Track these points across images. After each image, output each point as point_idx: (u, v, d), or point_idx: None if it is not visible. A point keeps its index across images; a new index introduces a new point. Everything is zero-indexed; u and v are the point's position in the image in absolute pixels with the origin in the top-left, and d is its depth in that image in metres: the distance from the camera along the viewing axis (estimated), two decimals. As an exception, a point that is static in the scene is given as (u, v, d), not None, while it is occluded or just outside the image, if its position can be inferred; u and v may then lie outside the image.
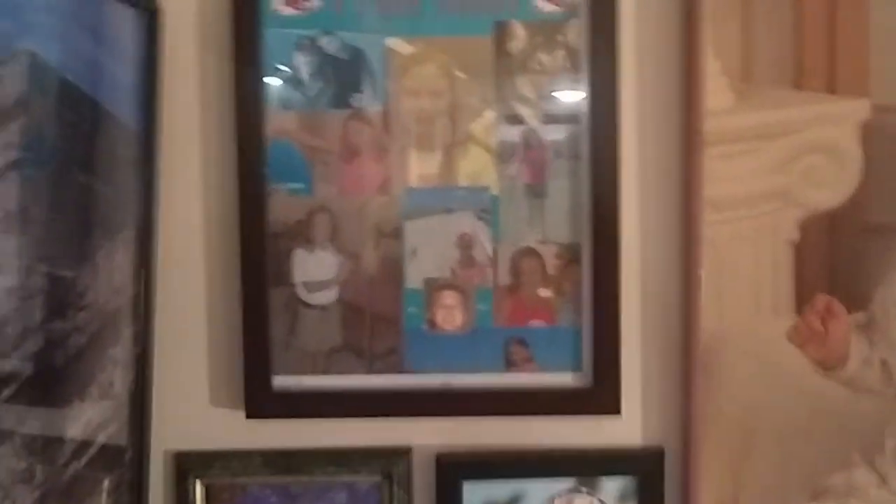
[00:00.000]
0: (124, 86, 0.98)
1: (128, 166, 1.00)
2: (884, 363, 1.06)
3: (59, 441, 0.85)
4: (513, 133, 1.08)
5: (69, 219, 0.86)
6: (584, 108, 1.08)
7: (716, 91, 1.06)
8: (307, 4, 1.08)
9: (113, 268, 0.94)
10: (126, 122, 0.99)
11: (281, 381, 1.09)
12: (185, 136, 1.10)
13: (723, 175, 1.06)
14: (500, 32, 1.08)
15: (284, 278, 1.09)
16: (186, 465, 1.10)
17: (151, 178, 1.04)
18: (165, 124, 1.07)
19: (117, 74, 0.96)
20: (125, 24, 0.99)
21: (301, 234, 1.09)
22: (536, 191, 1.09)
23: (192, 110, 1.09)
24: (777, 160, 1.06)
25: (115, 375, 0.97)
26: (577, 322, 1.09)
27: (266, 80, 1.07)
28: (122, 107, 0.98)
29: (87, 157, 0.90)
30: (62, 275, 0.84)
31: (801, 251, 1.07)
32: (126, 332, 1.00)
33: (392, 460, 1.10)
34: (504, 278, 1.09)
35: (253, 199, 1.07)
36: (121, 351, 0.98)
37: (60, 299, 0.84)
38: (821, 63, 1.05)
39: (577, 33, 1.08)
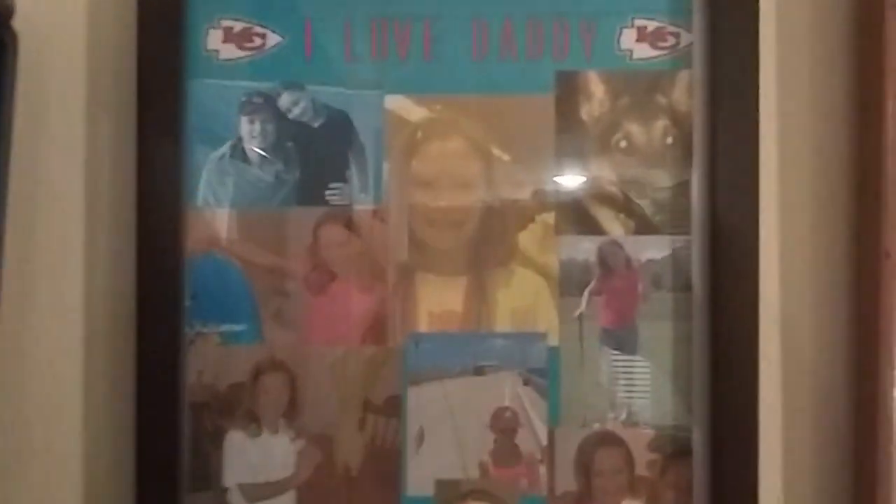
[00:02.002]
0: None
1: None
2: None
3: None
4: (584, 248, 0.71)
5: None
6: (700, 210, 0.70)
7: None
8: (260, 42, 0.69)
9: None
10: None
11: None
12: (52, 248, 0.71)
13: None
14: (567, 90, 0.71)
15: (209, 478, 0.71)
16: None
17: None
18: (16, 230, 0.69)
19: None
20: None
21: (239, 406, 0.72)
22: (621, 340, 0.71)
23: (66, 208, 0.71)
24: None
25: None
26: (685, 556, 0.70)
27: (189, 161, 0.70)
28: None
29: None
30: None
31: None
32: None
33: None
34: (566, 482, 0.71)
35: (161, 350, 0.69)
36: None
37: None
38: None
39: (688, 91, 0.71)
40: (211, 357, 0.70)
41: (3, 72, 0.65)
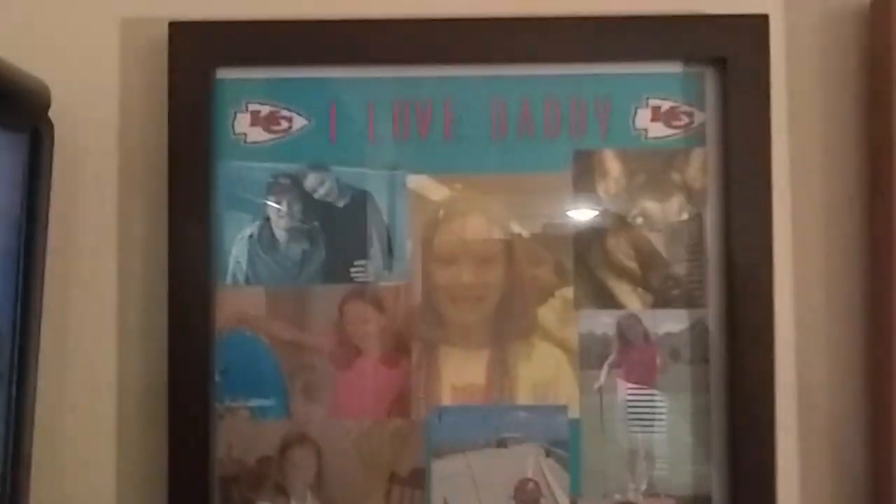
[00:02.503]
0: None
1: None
2: None
3: None
4: (603, 322, 0.72)
5: None
6: (716, 284, 0.70)
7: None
8: (287, 125, 0.71)
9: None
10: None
11: None
12: (87, 329, 0.73)
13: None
14: (584, 167, 0.72)
15: None
16: None
17: (23, 400, 0.64)
18: (53, 314, 0.70)
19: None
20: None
21: (268, 479, 0.71)
22: (641, 413, 0.71)
23: (103, 287, 0.73)
24: None
25: None
26: None
27: (219, 240, 0.71)
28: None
29: None
30: None
31: None
32: None
33: None
34: None
35: (191, 425, 0.69)
36: None
37: None
38: None
39: (702, 168, 0.71)
40: (240, 431, 0.70)
41: (41, 159, 0.66)
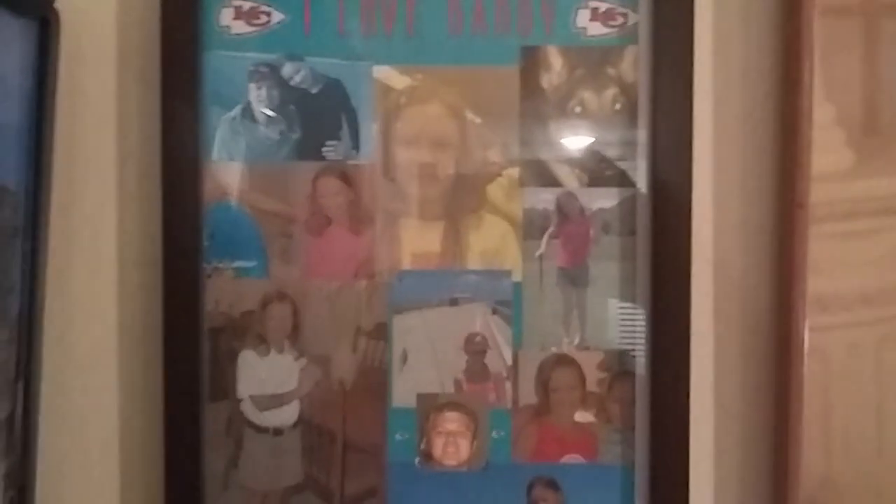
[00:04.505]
0: (1, 137, 0.69)
1: (2, 237, 0.70)
2: None
3: None
4: (544, 198, 0.81)
5: None
6: (643, 165, 0.79)
7: (827, 148, 0.77)
8: (266, 19, 0.79)
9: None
10: (3, 178, 0.70)
11: (217, 533, 0.79)
12: (92, 196, 0.82)
13: (834, 263, 0.78)
14: (530, 62, 0.80)
15: (225, 390, 0.81)
16: None
17: (37, 256, 0.74)
18: (64, 181, 0.80)
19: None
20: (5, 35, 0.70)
21: (250, 330, 0.81)
22: (575, 277, 0.81)
23: (102, 161, 0.82)
24: (912, 244, 0.77)
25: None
26: (627, 458, 0.81)
27: (206, 121, 0.79)
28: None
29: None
30: None
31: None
32: (-8, 470, 0.70)
33: None
34: (528, 396, 0.81)
35: (184, 282, 0.79)
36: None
37: None
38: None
39: (634, 64, 0.79)
40: (226, 289, 0.80)
41: (49, 47, 0.75)
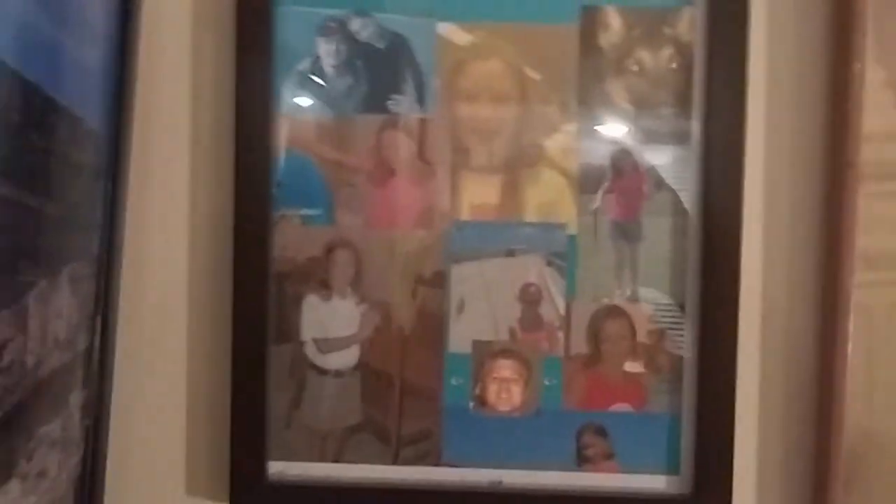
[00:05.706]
0: (88, 78, 0.73)
1: (84, 179, 0.74)
2: None
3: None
4: (600, 154, 0.83)
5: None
6: (697, 124, 0.82)
7: (877, 109, 0.79)
8: (335, -24, 0.83)
9: (51, 314, 0.68)
10: (88, 122, 0.74)
11: (278, 469, 0.84)
12: (167, 143, 0.85)
13: (883, 222, 0.80)
14: (589, 21, 0.83)
15: (290, 333, 0.84)
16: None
17: (118, 196, 0.78)
18: (141, 128, 0.83)
19: (79, 63, 0.71)
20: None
21: (315, 275, 0.84)
22: (628, 232, 0.84)
23: (177, 111, 0.85)
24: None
25: (50, 460, 0.70)
26: (675, 408, 0.83)
27: (277, 74, 0.82)
28: (83, 103, 0.73)
29: (22, 163, 0.64)
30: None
31: None
32: (72, 399, 0.74)
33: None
34: (580, 346, 0.84)
35: (253, 228, 0.82)
36: (60, 427, 0.72)
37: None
38: None
39: (690, 25, 0.82)
40: (292, 235, 0.83)
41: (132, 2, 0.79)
